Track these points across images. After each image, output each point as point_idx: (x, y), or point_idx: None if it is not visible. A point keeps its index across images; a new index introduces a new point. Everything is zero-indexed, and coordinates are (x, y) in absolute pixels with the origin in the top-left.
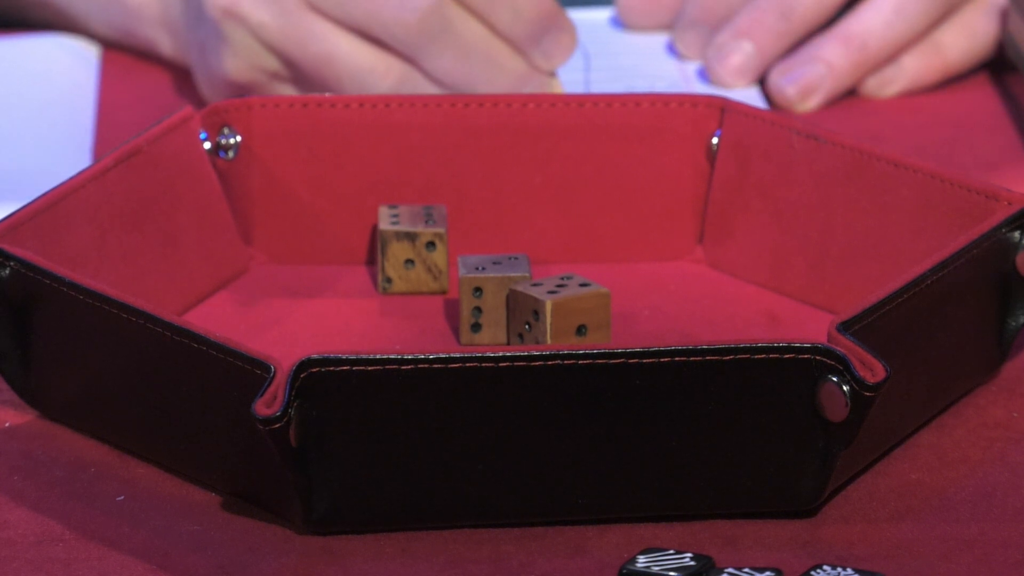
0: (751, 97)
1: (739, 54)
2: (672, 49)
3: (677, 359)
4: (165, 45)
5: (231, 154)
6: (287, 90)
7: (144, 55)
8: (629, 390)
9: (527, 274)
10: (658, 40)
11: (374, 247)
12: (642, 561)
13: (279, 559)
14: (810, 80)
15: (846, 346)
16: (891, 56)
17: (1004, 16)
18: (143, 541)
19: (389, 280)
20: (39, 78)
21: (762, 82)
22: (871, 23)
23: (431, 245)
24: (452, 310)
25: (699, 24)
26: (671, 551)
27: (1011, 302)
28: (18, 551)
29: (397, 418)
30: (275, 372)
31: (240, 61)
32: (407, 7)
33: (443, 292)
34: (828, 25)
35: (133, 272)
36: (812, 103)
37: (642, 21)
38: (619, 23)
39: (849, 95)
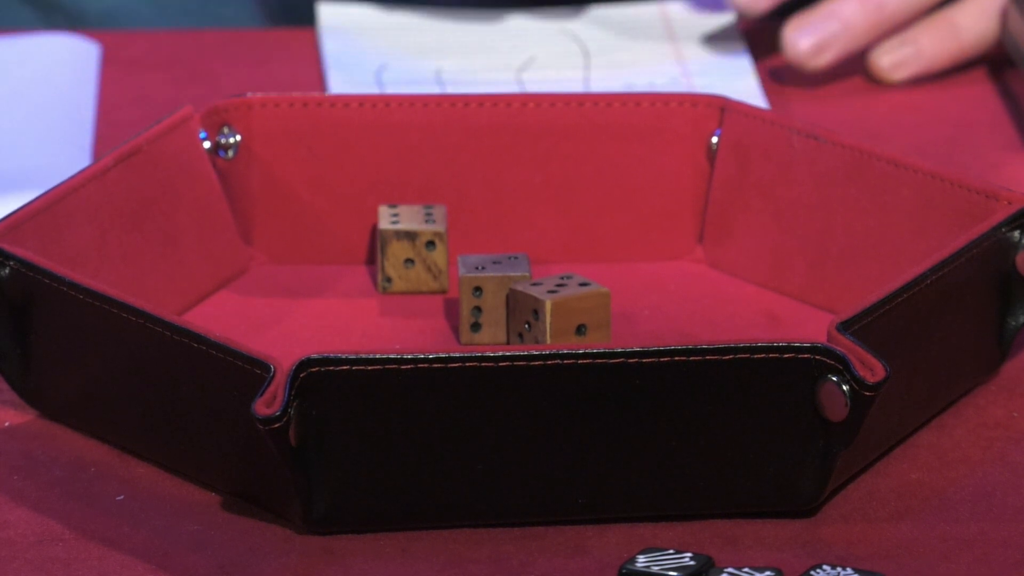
0: (751, 96)
1: None
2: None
3: (677, 359)
4: None
5: (231, 154)
6: None
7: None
8: (629, 390)
9: (527, 274)
10: (658, 39)
11: (374, 247)
12: (642, 561)
13: (279, 559)
14: (824, 36)
15: (846, 346)
16: (908, 21)
17: (1004, 16)
18: (143, 541)
19: (389, 279)
20: (39, 78)
21: (777, 38)
22: None
23: (431, 244)
24: (452, 310)
25: None
26: (671, 551)
27: (1011, 302)
28: (18, 551)
29: (397, 418)
30: (275, 372)
31: None
32: None
33: (443, 291)
34: None
35: (133, 272)
36: (824, 60)
37: None
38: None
39: (854, 90)
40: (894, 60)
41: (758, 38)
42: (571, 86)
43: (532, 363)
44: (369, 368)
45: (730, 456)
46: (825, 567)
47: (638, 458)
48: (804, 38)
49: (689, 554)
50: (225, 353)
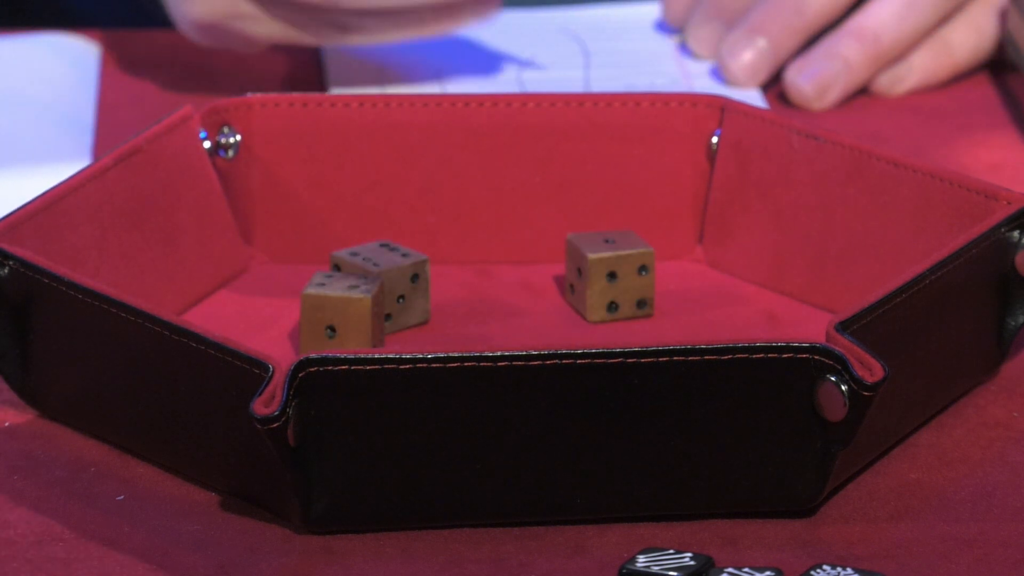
0: (751, 97)
1: (752, 50)
2: (684, 48)
3: (677, 359)
4: None
5: (231, 153)
6: (250, 25)
7: (144, 55)
8: (629, 390)
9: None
10: (658, 38)
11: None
12: (642, 561)
13: (279, 559)
14: (826, 76)
15: (844, 346)
16: (904, 50)
17: (1004, 15)
18: (143, 541)
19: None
20: (39, 78)
21: (778, 80)
22: (883, 17)
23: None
24: (451, 309)
25: (713, 20)
26: (671, 551)
27: (1010, 302)
28: (18, 551)
29: (396, 418)
30: (273, 371)
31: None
32: None
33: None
34: (839, 21)
35: (133, 272)
36: (829, 99)
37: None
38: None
39: (855, 94)
40: (891, 78)
41: None
42: (571, 86)
43: (531, 363)
44: (368, 368)
45: (729, 456)
46: (825, 567)
47: (638, 458)
48: (806, 80)
49: (689, 554)
50: (224, 353)
